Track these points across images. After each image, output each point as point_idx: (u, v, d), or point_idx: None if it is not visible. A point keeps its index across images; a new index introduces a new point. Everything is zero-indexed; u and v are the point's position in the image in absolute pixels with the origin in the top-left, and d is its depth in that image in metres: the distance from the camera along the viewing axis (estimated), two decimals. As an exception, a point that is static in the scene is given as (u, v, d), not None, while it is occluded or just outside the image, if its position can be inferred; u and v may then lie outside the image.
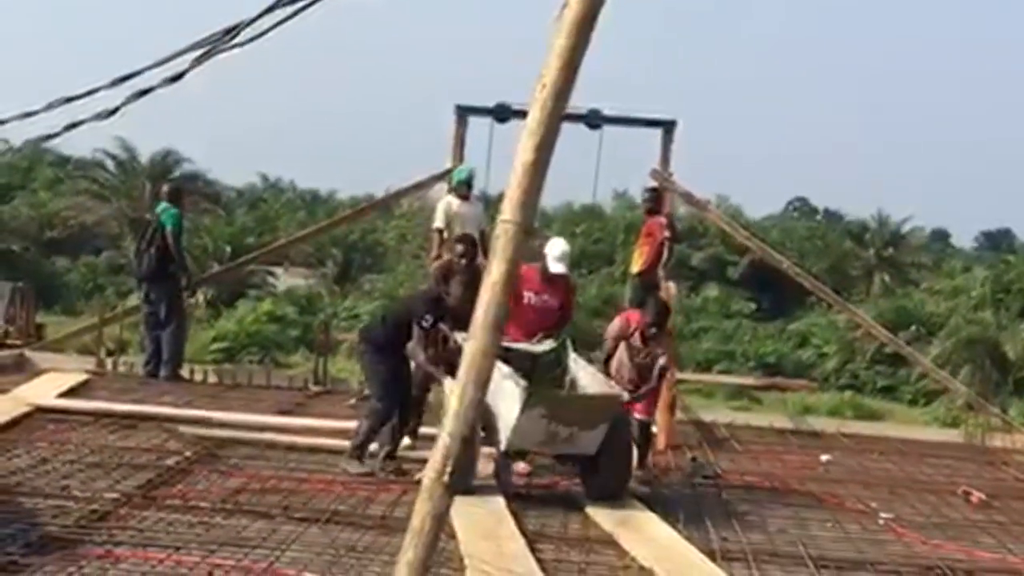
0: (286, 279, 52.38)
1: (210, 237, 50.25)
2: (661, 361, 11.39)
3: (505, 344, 10.47)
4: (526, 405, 10.06)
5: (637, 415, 11.51)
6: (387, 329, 11.37)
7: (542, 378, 10.87)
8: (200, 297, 41.95)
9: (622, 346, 11.54)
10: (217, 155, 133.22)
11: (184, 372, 17.19)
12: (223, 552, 8.24)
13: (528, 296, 11.51)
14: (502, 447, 10.47)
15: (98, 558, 7.94)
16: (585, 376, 11.07)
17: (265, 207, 64.39)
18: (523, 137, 5.06)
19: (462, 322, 10.59)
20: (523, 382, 10.20)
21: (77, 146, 64.53)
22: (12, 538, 8.22)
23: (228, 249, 48.74)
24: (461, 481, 5.12)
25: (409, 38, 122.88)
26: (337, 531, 9.08)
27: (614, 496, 10.47)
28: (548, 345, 11.35)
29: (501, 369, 9.56)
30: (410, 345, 10.99)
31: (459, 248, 12.10)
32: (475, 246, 12.25)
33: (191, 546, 8.33)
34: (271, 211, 62.81)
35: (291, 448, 12.05)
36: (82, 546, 8.19)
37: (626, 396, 11.01)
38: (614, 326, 11.72)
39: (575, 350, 11.40)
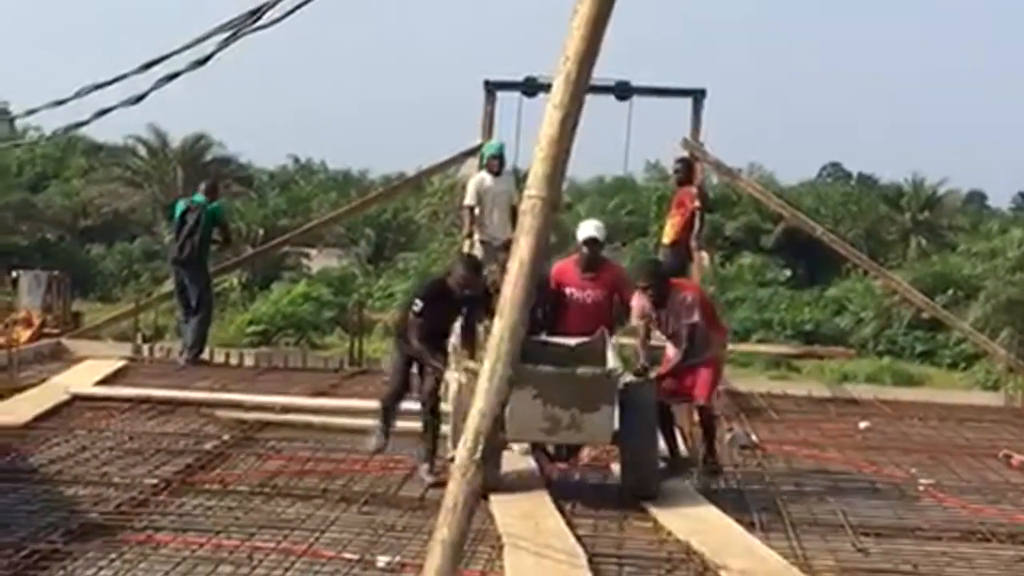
0: (320, 260, 52.46)
1: (243, 220, 50.35)
2: (686, 320, 10.35)
3: (542, 339, 10.20)
4: (512, 382, 9.34)
5: (698, 400, 10.61)
6: (401, 314, 10.97)
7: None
8: (234, 280, 42.09)
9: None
10: (249, 138, 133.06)
11: (220, 356, 17.27)
12: (262, 535, 8.28)
13: (569, 292, 10.94)
14: (505, 437, 9.54)
15: (138, 544, 8.00)
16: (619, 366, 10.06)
17: (297, 189, 64.45)
18: (548, 110, 5.04)
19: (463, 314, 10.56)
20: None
21: (108, 133, 64.73)
22: (53, 526, 8.29)
23: (261, 232, 48.85)
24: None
25: (437, 12, 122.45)
26: (375, 511, 9.11)
27: (643, 492, 9.62)
28: (582, 339, 10.46)
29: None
30: (401, 339, 10.57)
31: (459, 271, 10.61)
32: (477, 272, 10.90)
33: (230, 530, 8.37)
34: (303, 193, 62.85)
35: (327, 429, 12.07)
36: (122, 532, 8.25)
37: (623, 374, 9.88)
38: (635, 306, 10.78)
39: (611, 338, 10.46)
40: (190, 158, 57.97)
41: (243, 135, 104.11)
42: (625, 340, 11.51)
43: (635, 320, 10.78)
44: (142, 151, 60.81)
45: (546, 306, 10.53)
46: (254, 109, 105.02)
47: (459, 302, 10.33)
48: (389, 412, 10.73)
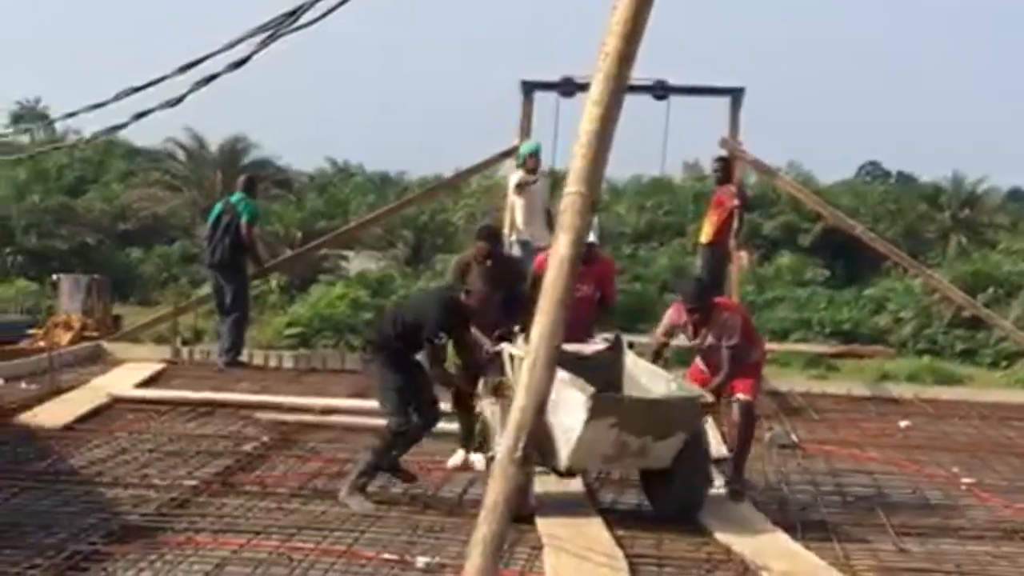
0: (358, 262, 52.54)
1: (281, 223, 50.52)
2: (728, 343, 9.78)
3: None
4: (593, 413, 8.64)
5: (739, 395, 10.00)
6: (400, 332, 9.74)
7: (595, 384, 9.03)
8: (273, 283, 42.21)
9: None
10: (287, 141, 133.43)
11: (259, 358, 17.32)
12: (302, 536, 8.30)
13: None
14: (563, 465, 9.05)
15: (178, 545, 8.03)
16: (649, 377, 9.74)
17: (335, 191, 64.59)
18: (587, 108, 5.02)
19: (486, 322, 10.15)
20: (589, 388, 8.77)
21: (147, 137, 65.03)
22: (94, 527, 8.34)
23: (299, 234, 48.97)
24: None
25: (473, 12, 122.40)
26: (414, 512, 9.10)
27: (690, 512, 9.19)
28: (599, 345, 10.26)
29: (557, 375, 8.39)
30: (431, 370, 9.73)
31: (479, 244, 11.01)
32: (496, 239, 11.27)
33: (270, 531, 8.39)
34: (341, 195, 62.97)
35: (367, 431, 12.07)
36: (162, 534, 8.28)
37: (709, 397, 9.42)
38: (664, 318, 10.36)
39: (631, 347, 10.33)
40: (228, 161, 58.16)
41: (281, 138, 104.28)
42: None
43: (660, 334, 10.39)
44: (180, 155, 61.11)
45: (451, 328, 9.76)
46: (292, 111, 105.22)
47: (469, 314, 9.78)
48: (385, 457, 9.63)
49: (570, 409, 8.72)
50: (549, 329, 5.01)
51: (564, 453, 8.90)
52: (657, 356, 10.36)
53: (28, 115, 72.32)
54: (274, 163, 61.72)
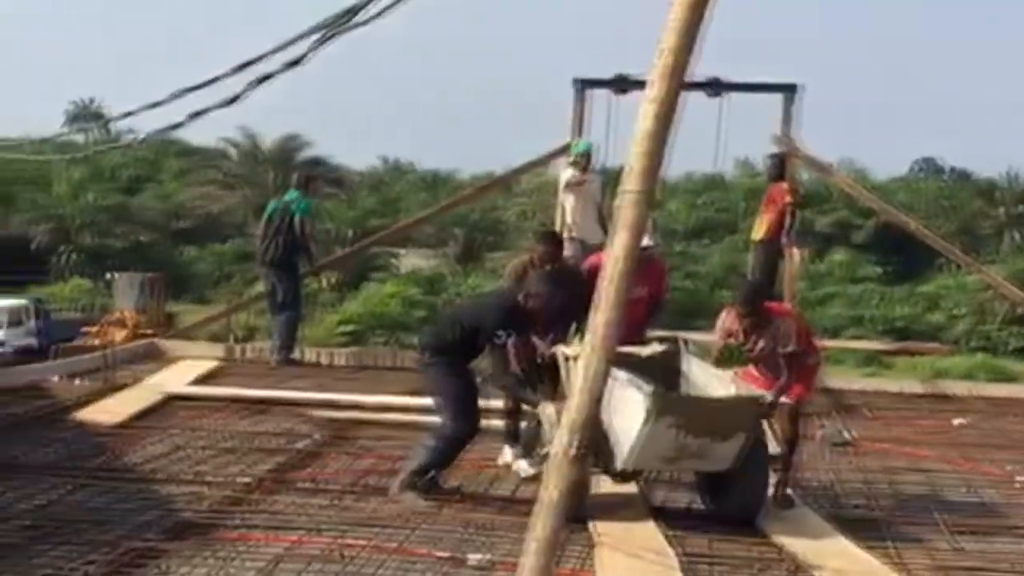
0: (409, 260, 52.66)
1: (334, 221, 50.69)
2: (784, 349, 9.50)
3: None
4: (654, 413, 8.52)
5: (785, 399, 9.65)
6: (458, 337, 9.71)
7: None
8: (325, 281, 42.38)
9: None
10: (340, 139, 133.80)
11: (312, 355, 17.41)
12: (355, 533, 8.33)
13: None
14: (619, 466, 8.95)
15: (233, 542, 8.08)
16: (707, 379, 9.53)
17: (387, 189, 64.73)
18: (644, 105, 5.02)
19: (545, 326, 10.00)
20: (648, 387, 8.68)
21: (202, 136, 65.45)
22: (150, 524, 8.41)
23: (352, 232, 49.12)
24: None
25: (528, 9, 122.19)
26: (467, 509, 9.12)
27: (748, 518, 9.02)
28: (655, 347, 10.01)
29: (615, 376, 7.79)
30: (492, 372, 9.80)
31: (540, 248, 10.85)
32: (557, 243, 11.18)
33: (323, 528, 8.43)
34: (393, 193, 63.11)
35: (419, 428, 12.08)
36: (217, 530, 8.34)
37: (769, 397, 9.29)
38: (718, 323, 10.13)
39: (688, 349, 10.14)
40: (282, 159, 58.42)
41: (335, 136, 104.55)
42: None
43: (718, 337, 10.12)
44: (234, 153, 61.44)
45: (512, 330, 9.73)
46: (345, 109, 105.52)
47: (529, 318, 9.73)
48: (445, 459, 9.66)
49: (629, 409, 8.62)
50: (605, 328, 5.02)
51: (623, 454, 8.79)
52: (722, 359, 10.23)
53: (84, 115, 72.95)
54: (327, 161, 61.94)
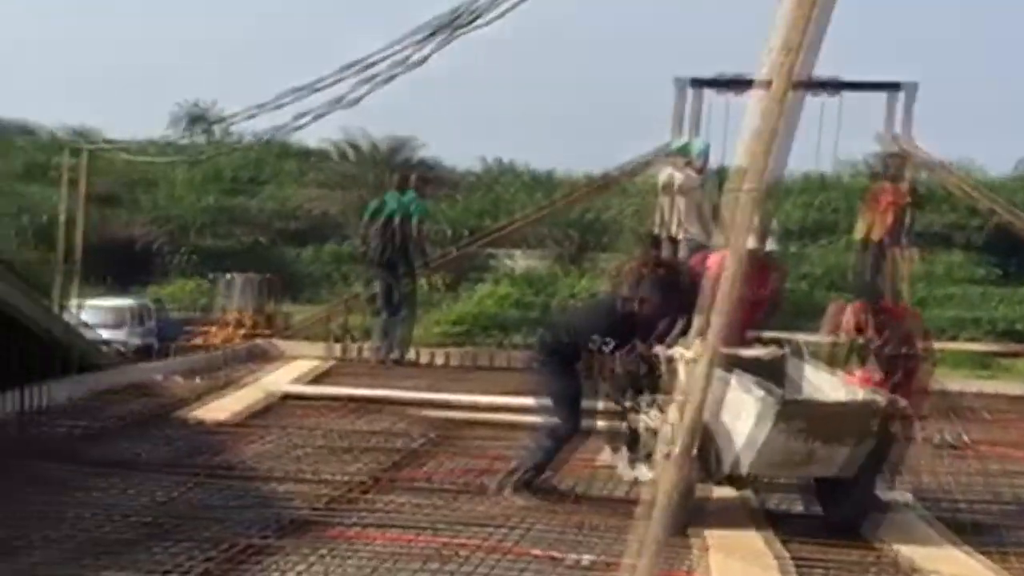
0: (520, 261, 52.75)
1: (446, 221, 50.95)
2: (899, 350, 9.47)
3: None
4: (780, 417, 8.27)
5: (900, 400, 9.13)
6: (567, 339, 9.76)
7: None
8: (437, 281, 42.61)
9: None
10: (453, 140, 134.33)
11: (424, 356, 17.50)
12: (467, 532, 8.35)
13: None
14: (743, 471, 8.70)
15: (347, 539, 8.14)
16: (818, 381, 9.31)
17: (499, 190, 64.91)
18: (763, 103, 4.97)
19: (653, 330, 9.88)
20: (778, 390, 8.56)
21: (316, 138, 66.04)
22: (267, 521, 8.49)
23: (465, 233, 49.35)
24: (677, 517, 5.03)
25: (638, 10, 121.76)
26: (579, 510, 9.10)
27: (860, 523, 8.80)
28: (769, 350, 9.66)
29: (727, 378, 7.98)
30: (597, 376, 9.68)
31: (649, 253, 11.00)
32: (659, 248, 11.29)
33: (437, 526, 8.46)
34: (505, 194, 63.27)
35: (531, 428, 12.07)
36: (331, 528, 8.40)
37: (903, 402, 8.94)
38: (829, 318, 10.22)
39: (799, 351, 9.79)
40: (389, 160, 58.85)
41: (447, 136, 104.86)
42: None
43: (828, 332, 10.11)
44: (350, 154, 62.02)
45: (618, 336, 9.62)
46: (458, 110, 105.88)
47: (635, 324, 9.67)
48: (553, 457, 9.66)
49: (750, 413, 8.42)
50: (718, 328, 4.98)
51: (736, 459, 8.58)
52: (841, 356, 10.06)
53: (201, 118, 73.94)
54: (439, 162, 62.29)
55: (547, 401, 9.83)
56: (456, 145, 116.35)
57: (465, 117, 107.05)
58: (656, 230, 15.21)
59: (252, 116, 10.08)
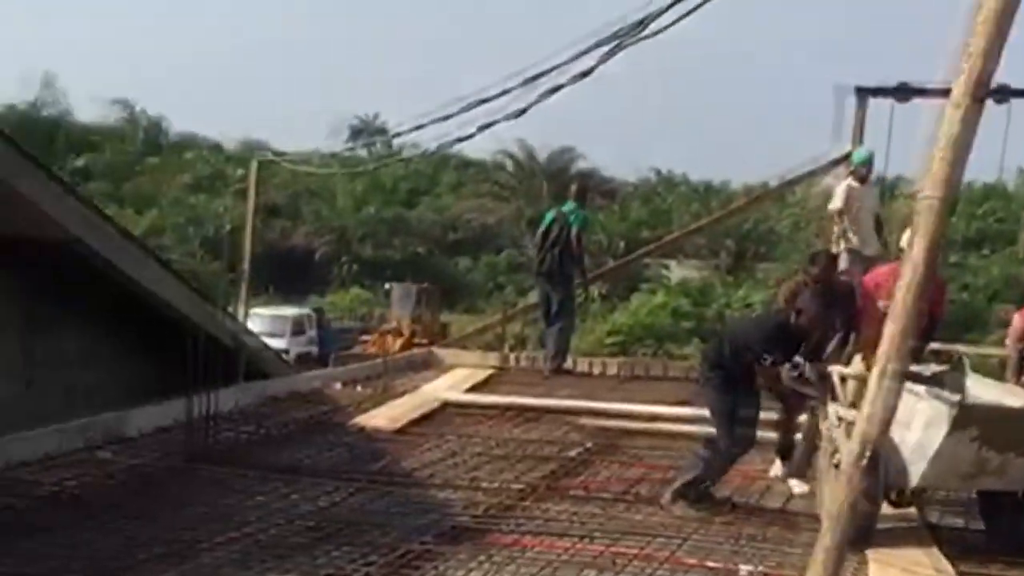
0: (679, 271, 52.60)
1: (605, 232, 51.05)
2: None
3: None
4: (956, 424, 7.91)
5: None
6: (730, 354, 9.71)
7: None
8: (595, 292, 42.70)
9: None
10: (613, 150, 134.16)
11: (582, 365, 17.53)
12: (625, 541, 8.37)
13: (884, 305, 9.85)
14: (912, 482, 8.47)
15: (506, 546, 8.21)
16: (987, 392, 8.97)
17: (658, 200, 64.83)
18: (948, 110, 4.94)
19: (816, 347, 9.71)
20: (954, 396, 8.22)
21: (477, 149, 66.71)
22: (426, 527, 8.60)
23: (622, 243, 49.34)
24: (861, 535, 4.97)
25: (800, 17, 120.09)
26: (737, 521, 9.07)
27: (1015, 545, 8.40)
28: (935, 366, 9.50)
29: (908, 389, 7.44)
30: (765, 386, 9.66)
31: (813, 269, 10.60)
32: (832, 264, 10.94)
33: (595, 535, 8.49)
34: (664, 204, 63.18)
35: (690, 438, 12.03)
36: (491, 535, 8.48)
37: None
38: (1015, 326, 9.89)
39: (962, 365, 9.52)
40: (555, 171, 59.09)
41: (607, 147, 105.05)
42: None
43: (1015, 340, 9.79)
44: (509, 165, 62.43)
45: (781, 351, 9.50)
46: (619, 120, 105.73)
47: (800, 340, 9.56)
48: (713, 473, 9.61)
49: (924, 423, 8.18)
50: (899, 337, 4.94)
51: (913, 471, 8.31)
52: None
53: (367, 130, 75.09)
54: (599, 172, 62.41)
55: (711, 415, 9.79)
56: (615, 155, 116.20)
57: (625, 128, 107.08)
58: (834, 247, 14.98)
59: (419, 127, 10.20)
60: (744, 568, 7.84)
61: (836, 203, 15.07)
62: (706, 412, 9.90)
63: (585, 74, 7.35)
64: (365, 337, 39.23)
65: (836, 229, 15.42)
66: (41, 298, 12.18)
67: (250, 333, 16.69)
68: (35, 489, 9.31)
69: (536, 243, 17.43)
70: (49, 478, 9.58)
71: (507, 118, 8.10)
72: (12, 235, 11.37)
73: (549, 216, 17.22)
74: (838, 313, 9.81)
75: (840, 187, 15.33)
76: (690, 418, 12.72)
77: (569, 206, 17.05)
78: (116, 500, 9.24)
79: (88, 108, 75.25)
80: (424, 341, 20.75)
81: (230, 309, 18.35)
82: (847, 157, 16.36)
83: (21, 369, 12.23)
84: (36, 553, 7.75)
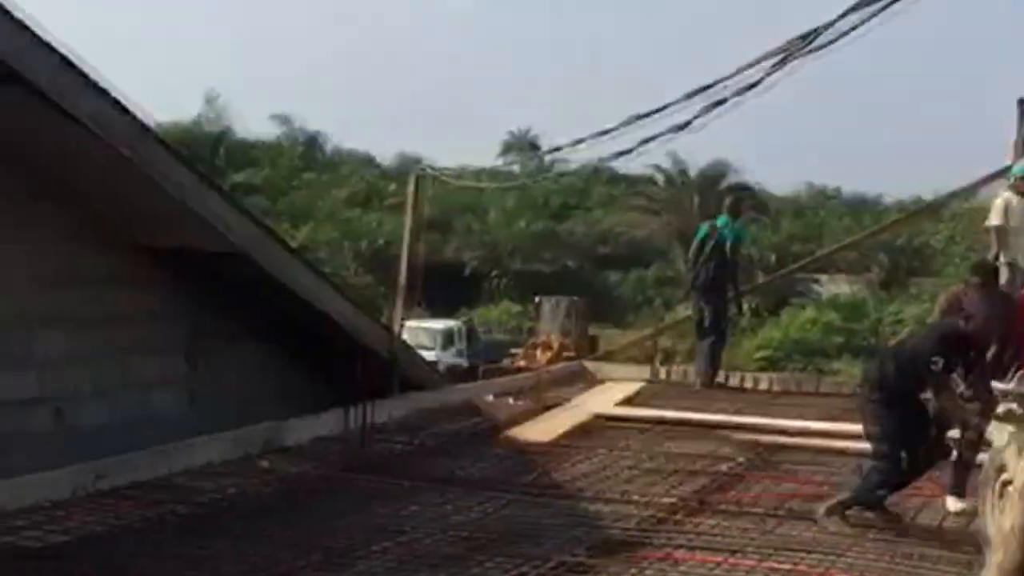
0: (830, 285, 51.97)
1: (756, 246, 50.66)
2: None
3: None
4: None
5: None
6: (895, 371, 9.54)
7: None
8: (745, 306, 42.43)
9: None
10: (767, 164, 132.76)
11: (736, 380, 17.46)
12: (777, 557, 8.32)
13: None
14: None
15: (658, 560, 8.22)
16: None
17: (811, 215, 64.16)
18: None
19: (980, 355, 9.56)
20: None
21: (631, 163, 66.75)
22: (579, 540, 8.65)
23: (773, 258, 48.92)
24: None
25: (966, 31, 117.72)
26: (892, 538, 8.97)
27: None
28: None
29: None
30: (936, 400, 9.44)
31: (975, 278, 10.31)
32: (995, 274, 10.76)
33: (747, 550, 8.45)
34: (817, 218, 62.51)
35: (843, 454, 11.91)
36: (642, 549, 8.49)
37: None
38: None
39: None
40: (706, 185, 58.83)
41: (761, 161, 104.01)
42: None
43: None
44: (660, 180, 62.32)
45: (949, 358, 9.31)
46: (774, 135, 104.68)
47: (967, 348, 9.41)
48: (876, 494, 9.44)
49: None
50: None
51: None
52: None
53: (519, 144, 75.51)
54: (752, 187, 61.99)
55: (873, 437, 9.68)
56: (775, 169, 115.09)
57: (783, 142, 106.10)
58: (991, 254, 14.70)
59: (579, 141, 10.28)
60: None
61: (993, 219, 14.80)
62: (868, 430, 9.77)
63: (750, 87, 7.29)
64: (515, 350, 39.50)
65: (994, 243, 15.14)
66: (205, 310, 12.52)
67: (405, 346, 16.93)
68: (197, 496, 9.59)
69: (690, 257, 17.42)
70: (210, 485, 9.87)
71: (669, 132, 8.09)
72: (180, 248, 11.74)
73: (703, 230, 17.19)
74: (1001, 323, 9.64)
75: (998, 201, 15.05)
76: (844, 434, 12.62)
77: (723, 220, 17.01)
78: (275, 507, 9.50)
79: (249, 124, 76.77)
80: (574, 354, 20.80)
81: (386, 322, 18.63)
82: (1007, 170, 16.04)
83: (185, 381, 12.58)
84: (198, 557, 8.00)
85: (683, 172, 61.02)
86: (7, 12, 8.99)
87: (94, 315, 11.46)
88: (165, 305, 12.31)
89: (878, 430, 9.56)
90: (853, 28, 6.60)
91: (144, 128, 10.58)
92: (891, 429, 9.43)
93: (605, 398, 15.14)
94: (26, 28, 9.13)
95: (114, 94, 10.02)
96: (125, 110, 10.16)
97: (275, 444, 11.24)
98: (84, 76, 9.73)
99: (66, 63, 9.54)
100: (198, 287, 12.30)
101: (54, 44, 9.40)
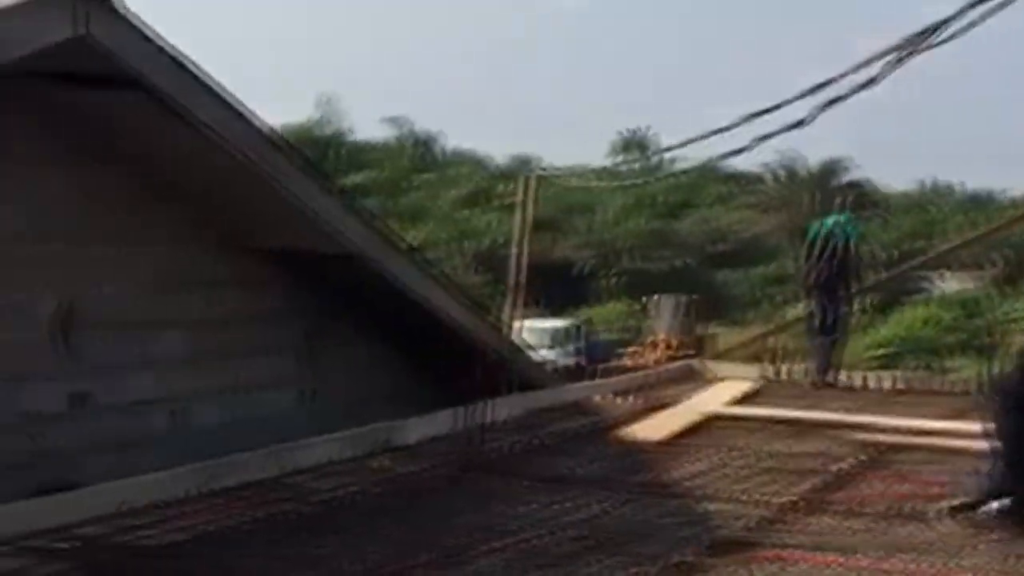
0: (949, 283, 51.21)
1: (871, 243, 50.09)
2: None
3: None
4: None
5: None
6: (1019, 369, 9.33)
7: None
8: (867, 303, 41.94)
9: None
10: (883, 161, 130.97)
11: (848, 378, 17.28)
12: (894, 558, 8.24)
13: None
14: None
15: (772, 560, 8.17)
16: None
17: (932, 211, 63.24)
18: None
19: None
20: None
21: (745, 161, 66.44)
22: (693, 539, 8.62)
23: (891, 254, 48.31)
24: None
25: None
26: (1007, 539, 8.82)
27: None
28: None
29: None
30: None
31: None
32: None
33: (862, 550, 8.37)
34: (939, 214, 61.60)
35: (963, 454, 11.76)
36: (755, 549, 8.43)
37: None
38: None
39: None
40: (820, 183, 58.31)
41: (881, 158, 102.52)
42: None
43: None
44: (774, 177, 61.89)
45: None
46: (893, 132, 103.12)
47: None
48: (995, 499, 9.24)
49: None
50: None
51: None
52: None
53: (633, 143, 75.42)
54: (867, 183, 61.31)
55: (991, 439, 9.49)
56: (888, 166, 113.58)
57: (899, 138, 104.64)
58: None
59: (691, 141, 10.23)
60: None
61: None
62: (989, 436, 9.58)
63: (869, 83, 7.18)
64: (634, 349, 39.48)
65: None
66: (318, 312, 12.69)
67: (518, 345, 16.99)
68: (312, 495, 9.72)
69: (804, 255, 17.29)
70: (326, 484, 9.99)
71: (785, 129, 8.00)
72: (295, 251, 11.92)
73: (816, 228, 17.05)
74: None
75: None
76: (964, 433, 12.43)
77: (842, 217, 16.88)
78: (389, 506, 9.59)
79: (367, 126, 77.60)
80: (689, 353, 20.75)
81: (506, 321, 18.72)
82: None
83: (297, 382, 12.77)
84: (313, 555, 8.12)
85: (791, 170, 60.52)
86: (131, 23, 9.21)
87: (210, 317, 11.68)
88: (279, 307, 12.51)
89: (993, 432, 9.39)
90: (974, 22, 6.46)
91: (261, 134, 10.76)
92: (1006, 434, 9.25)
93: (719, 397, 15.09)
94: (148, 39, 9.34)
95: (229, 99, 10.20)
96: (241, 116, 10.34)
97: (389, 444, 11.35)
98: (202, 82, 9.93)
99: (184, 69, 9.74)
100: (311, 289, 12.47)
101: (173, 51, 9.61)
